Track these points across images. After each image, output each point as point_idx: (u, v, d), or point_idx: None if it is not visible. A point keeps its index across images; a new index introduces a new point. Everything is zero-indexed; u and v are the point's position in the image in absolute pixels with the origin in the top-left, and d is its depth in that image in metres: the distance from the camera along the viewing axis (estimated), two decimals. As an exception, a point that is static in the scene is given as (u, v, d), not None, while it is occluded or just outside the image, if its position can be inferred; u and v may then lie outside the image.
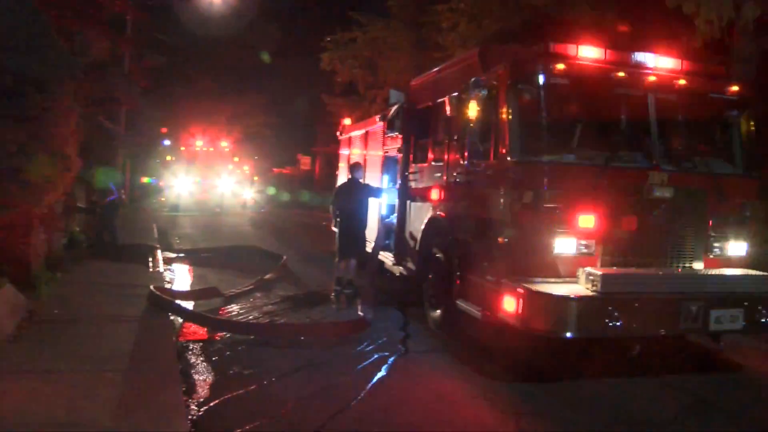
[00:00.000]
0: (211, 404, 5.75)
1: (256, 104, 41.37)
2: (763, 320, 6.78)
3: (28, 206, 9.19)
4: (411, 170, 9.95)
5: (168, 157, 33.86)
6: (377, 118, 12.06)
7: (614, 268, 6.76)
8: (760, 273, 7.13)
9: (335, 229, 10.98)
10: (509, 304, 6.52)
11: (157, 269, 12.42)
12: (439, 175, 8.74)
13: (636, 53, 7.41)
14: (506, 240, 6.80)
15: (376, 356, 7.33)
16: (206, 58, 39.56)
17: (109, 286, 10.12)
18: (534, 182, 6.65)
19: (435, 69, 9.75)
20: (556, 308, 6.21)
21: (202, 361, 7.01)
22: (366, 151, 12.94)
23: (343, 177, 14.19)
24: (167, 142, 34.08)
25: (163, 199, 32.03)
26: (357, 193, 10.63)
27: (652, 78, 7.17)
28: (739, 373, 7.50)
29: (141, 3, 22.26)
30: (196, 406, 5.69)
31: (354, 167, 11.08)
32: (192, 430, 5.18)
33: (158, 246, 15.35)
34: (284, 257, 13.57)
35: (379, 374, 6.73)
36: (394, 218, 10.63)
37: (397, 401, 6.05)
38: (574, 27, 14.77)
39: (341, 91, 29.24)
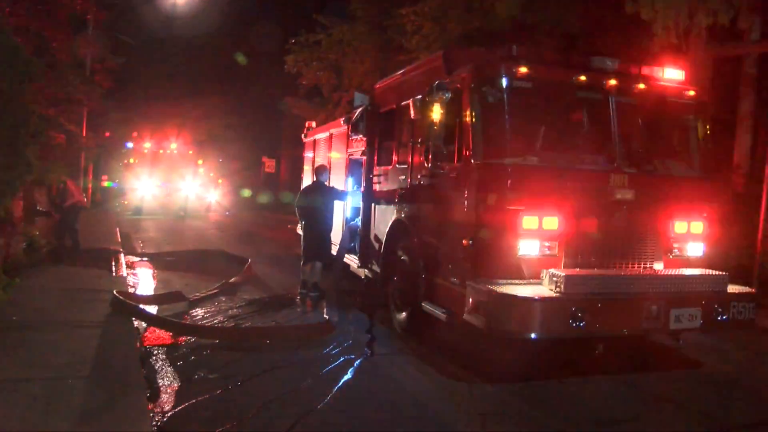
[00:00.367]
0: (177, 409, 5.70)
1: (221, 106, 40.97)
2: (719, 318, 6.94)
3: (-16, 210, 9.00)
4: (375, 173, 9.97)
5: (131, 160, 33.32)
6: (342, 120, 12.07)
7: (577, 269, 6.86)
8: (717, 272, 7.29)
9: (300, 232, 10.97)
10: (474, 305, 6.57)
11: (120, 274, 12.25)
12: (403, 177, 8.77)
13: (597, 57, 7.54)
14: (470, 242, 6.85)
15: (341, 359, 7.33)
16: (168, 60, 39.13)
17: (70, 291, 9.95)
18: (497, 185, 6.72)
19: (399, 72, 9.79)
20: (520, 309, 6.27)
21: (167, 366, 6.93)
22: (331, 154, 12.93)
23: (308, 180, 14.16)
24: (130, 145, 33.55)
25: (125, 202, 31.56)
26: (322, 195, 10.63)
27: (612, 82, 7.30)
28: (698, 370, 7.67)
29: (103, 2, 21.96)
30: (161, 411, 5.63)
31: (319, 170, 11.09)
32: (156, 436, 5.13)
33: (121, 250, 15.15)
34: (249, 260, 13.48)
35: (345, 377, 6.73)
36: (359, 221, 10.64)
37: (363, 404, 6.07)
38: (536, 31, 15.02)
39: (306, 94, 29.10)
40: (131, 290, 10.81)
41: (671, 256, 7.52)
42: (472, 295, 6.62)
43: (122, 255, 14.31)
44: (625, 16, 12.21)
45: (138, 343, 7.61)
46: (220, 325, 8.86)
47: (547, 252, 6.83)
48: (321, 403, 5.92)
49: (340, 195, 11.00)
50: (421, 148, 8.06)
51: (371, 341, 8.10)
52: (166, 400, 5.94)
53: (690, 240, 7.65)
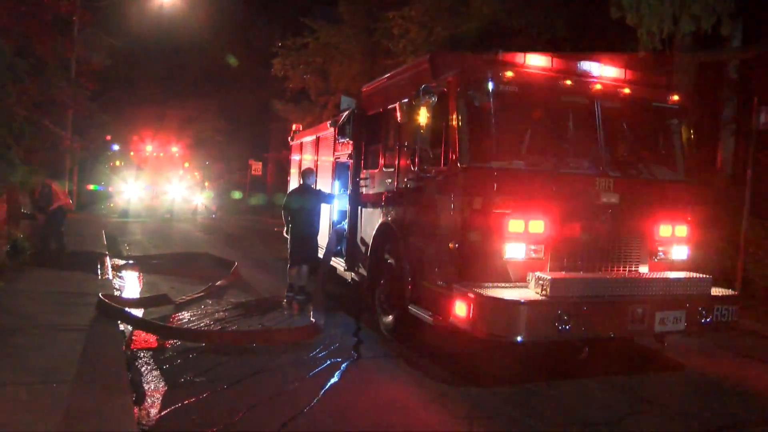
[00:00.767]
0: (163, 413, 5.68)
1: (207, 109, 40.90)
2: (703, 321, 7.02)
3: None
4: (362, 176, 9.99)
5: (117, 163, 33.20)
6: (328, 123, 12.08)
7: (563, 272, 6.90)
8: (701, 275, 7.37)
9: (287, 235, 10.96)
10: (460, 309, 6.59)
11: (106, 277, 12.18)
12: (390, 181, 8.79)
13: (582, 62, 7.61)
14: (457, 245, 6.88)
15: (328, 362, 7.33)
16: (155, 63, 38.97)
17: (55, 294, 9.88)
18: (483, 188, 6.75)
19: (386, 75, 9.81)
20: (506, 313, 6.29)
21: (153, 369, 6.91)
22: (317, 157, 12.94)
23: (294, 183, 14.16)
24: (116, 147, 33.44)
25: (111, 205, 31.41)
26: (309, 198, 10.64)
27: (597, 86, 7.37)
28: (682, 373, 7.74)
29: (88, 4, 21.85)
30: (147, 415, 5.61)
31: (305, 173, 11.09)
32: (142, 440, 5.12)
33: (107, 253, 15.07)
34: (235, 264, 13.45)
35: (332, 380, 6.73)
36: (345, 224, 10.65)
37: (349, 407, 6.07)
38: (523, 36, 15.12)
39: (293, 97, 29.11)
40: (117, 293, 10.75)
41: (656, 259, 7.59)
42: (458, 298, 6.64)
43: (108, 258, 14.23)
44: (610, 21, 12.32)
45: (124, 347, 7.59)
46: (206, 328, 8.84)
47: (533, 255, 6.87)
48: (308, 407, 5.92)
49: (327, 198, 11.01)
50: (408, 152, 8.08)
51: (358, 344, 8.11)
52: (153, 403, 5.92)
53: (674, 243, 7.73)
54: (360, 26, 24.54)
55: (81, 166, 28.53)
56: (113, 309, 8.76)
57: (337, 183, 11.65)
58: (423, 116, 7.23)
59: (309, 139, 13.95)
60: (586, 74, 7.53)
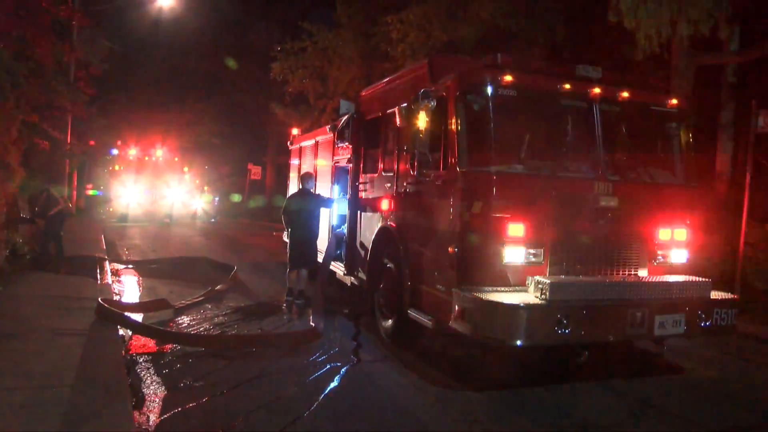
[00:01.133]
0: (162, 418, 5.68)
1: (206, 113, 40.90)
2: (702, 324, 7.01)
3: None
4: (361, 180, 9.99)
5: (116, 167, 33.15)
6: (327, 128, 12.09)
7: (562, 276, 6.90)
8: (700, 279, 7.37)
9: (286, 240, 10.95)
10: (460, 313, 6.59)
11: (105, 281, 12.18)
12: (389, 185, 8.80)
13: (581, 66, 7.61)
14: (456, 249, 6.88)
15: (328, 366, 7.33)
16: (154, 67, 39.00)
17: (54, 298, 9.87)
18: (483, 192, 6.75)
19: (385, 79, 9.82)
20: (506, 317, 6.28)
21: (152, 374, 6.90)
22: (316, 161, 12.95)
23: (293, 187, 14.16)
24: (115, 151, 33.37)
25: (110, 209, 31.38)
26: (308, 203, 10.64)
27: (596, 90, 7.36)
28: (681, 376, 7.73)
29: (87, 8, 21.83)
30: (146, 420, 5.61)
31: (305, 177, 11.09)
32: (141, 445, 5.11)
33: (106, 257, 15.06)
34: (235, 268, 13.45)
35: (332, 384, 6.73)
36: (344, 228, 10.65)
37: (349, 411, 6.06)
38: (521, 40, 15.14)
39: (292, 101, 29.12)
40: (116, 298, 10.75)
41: (655, 263, 7.58)
42: (457, 302, 6.64)
43: (107, 262, 14.22)
44: (608, 25, 12.35)
45: (123, 351, 7.58)
46: (205, 332, 8.83)
47: (533, 259, 6.85)
48: (307, 411, 5.91)
49: (326, 202, 11.02)
50: (407, 156, 8.08)
51: (357, 348, 8.11)
52: (152, 408, 5.92)
53: (673, 247, 7.71)
54: (358, 30, 24.56)
55: (80, 171, 28.52)
56: (112, 313, 8.74)
57: (336, 187, 11.65)
58: (422, 120, 7.23)
59: (308, 143, 13.95)
60: (584, 78, 7.53)
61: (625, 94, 7.56)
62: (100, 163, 32.90)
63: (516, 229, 6.74)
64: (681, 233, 7.74)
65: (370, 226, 9.46)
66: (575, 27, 15.52)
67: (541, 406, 6.45)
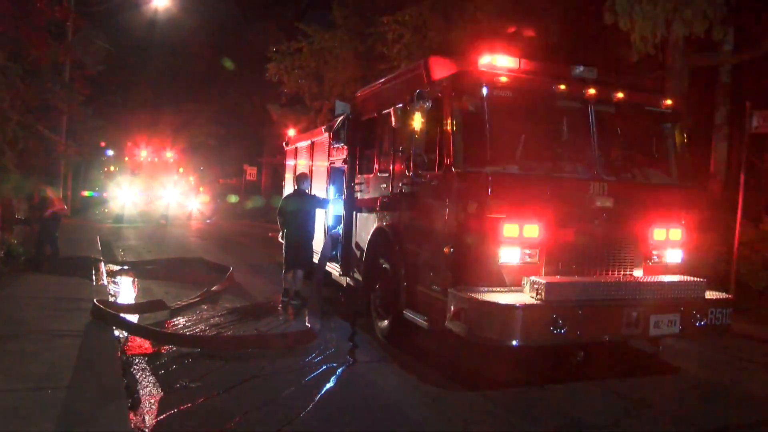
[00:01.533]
0: (158, 419, 5.67)
1: (202, 114, 40.89)
2: (697, 324, 7.02)
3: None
4: (357, 181, 9.98)
5: (111, 168, 33.16)
6: (323, 128, 12.09)
7: (558, 276, 6.91)
8: (695, 279, 7.38)
9: (282, 240, 10.96)
10: (455, 313, 6.59)
11: (101, 282, 12.16)
12: (384, 186, 8.80)
13: (577, 67, 7.63)
14: (451, 250, 6.88)
15: (324, 367, 7.33)
16: (149, 68, 38.98)
17: (50, 300, 9.86)
18: (478, 193, 6.75)
19: (380, 80, 9.83)
20: (501, 317, 6.28)
21: (148, 375, 6.89)
22: (312, 162, 12.94)
23: (289, 188, 14.16)
24: (110, 152, 33.38)
25: (106, 210, 31.35)
26: (303, 203, 10.64)
27: (592, 91, 7.38)
28: (677, 376, 7.76)
29: (82, 9, 21.82)
30: (142, 421, 5.60)
31: (300, 178, 11.09)
32: (137, 446, 5.11)
33: (102, 258, 15.04)
34: (230, 269, 13.44)
35: (328, 385, 6.73)
36: (340, 229, 10.64)
37: (345, 412, 6.06)
38: (517, 41, 15.16)
39: (287, 102, 29.10)
40: (112, 299, 10.74)
41: (650, 263, 7.60)
42: (453, 302, 6.65)
43: (102, 263, 14.20)
44: (604, 26, 12.38)
45: (119, 352, 7.56)
46: (201, 333, 8.82)
47: (528, 259, 6.87)
48: (303, 412, 5.91)
49: (322, 203, 11.02)
50: (402, 157, 8.08)
51: (353, 349, 8.11)
52: (148, 409, 5.91)
53: (669, 247, 7.74)
54: (354, 31, 24.53)
55: (75, 172, 28.48)
56: (108, 314, 8.74)
57: (331, 188, 11.65)
58: (417, 121, 7.22)
59: (304, 144, 13.95)
60: (580, 79, 7.55)
61: (620, 95, 7.58)
62: (95, 164, 32.90)
63: (511, 229, 6.75)
64: (676, 233, 7.76)
65: (365, 227, 9.45)
66: (570, 28, 15.54)
67: (537, 405, 6.46)
